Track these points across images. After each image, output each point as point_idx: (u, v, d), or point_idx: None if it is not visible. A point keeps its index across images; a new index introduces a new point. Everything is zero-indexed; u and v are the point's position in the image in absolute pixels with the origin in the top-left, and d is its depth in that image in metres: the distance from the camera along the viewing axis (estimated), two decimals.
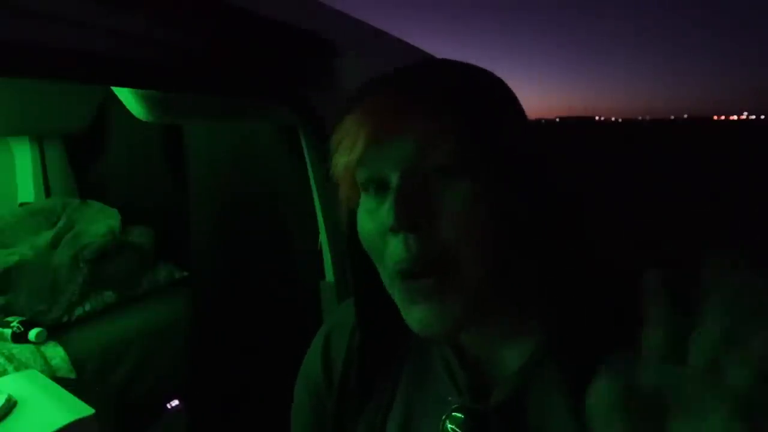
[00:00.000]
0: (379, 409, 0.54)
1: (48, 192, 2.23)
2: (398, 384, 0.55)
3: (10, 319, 1.57)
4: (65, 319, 1.68)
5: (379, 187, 0.45)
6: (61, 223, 1.94)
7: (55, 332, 1.62)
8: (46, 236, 1.86)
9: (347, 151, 0.44)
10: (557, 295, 0.48)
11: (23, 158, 2.20)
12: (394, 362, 0.56)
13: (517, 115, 0.47)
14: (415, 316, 0.44)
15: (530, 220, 0.45)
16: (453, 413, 0.48)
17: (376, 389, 0.55)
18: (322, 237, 1.13)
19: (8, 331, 1.53)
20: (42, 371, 1.37)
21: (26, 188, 2.22)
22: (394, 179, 0.43)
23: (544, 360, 0.47)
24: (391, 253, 0.44)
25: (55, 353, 1.54)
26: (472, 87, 0.45)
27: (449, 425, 0.48)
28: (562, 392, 0.45)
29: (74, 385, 1.20)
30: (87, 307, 1.75)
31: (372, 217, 0.45)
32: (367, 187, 0.45)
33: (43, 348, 1.54)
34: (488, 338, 0.51)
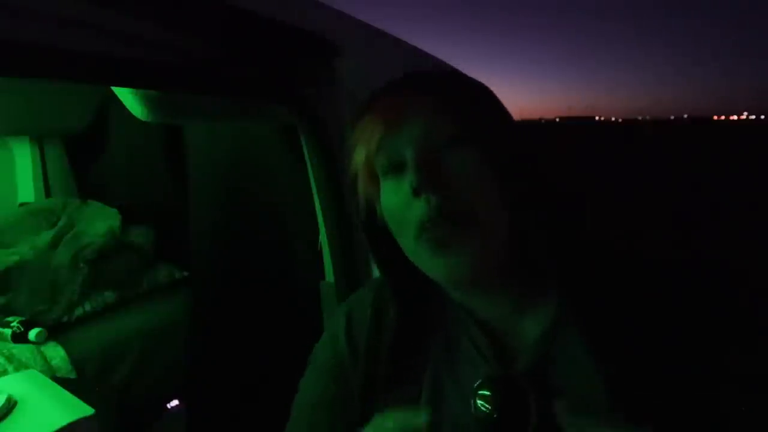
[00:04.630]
0: (413, 384, 0.57)
1: (48, 192, 2.23)
2: (428, 360, 0.58)
3: (10, 319, 1.57)
4: (65, 319, 1.68)
5: (398, 169, 0.52)
6: (61, 223, 1.93)
7: (55, 332, 1.61)
8: (46, 236, 1.86)
9: (366, 143, 0.54)
10: (567, 264, 0.54)
11: (23, 158, 2.20)
12: (422, 339, 0.59)
13: (501, 108, 0.56)
14: (439, 265, 0.51)
15: (528, 189, 0.53)
16: (481, 390, 0.50)
17: (405, 366, 0.58)
18: (322, 237, 1.13)
19: (8, 331, 1.53)
20: (42, 371, 1.37)
21: (26, 188, 2.21)
22: (409, 154, 0.51)
23: (565, 325, 0.52)
24: (415, 212, 0.51)
25: (55, 353, 1.54)
26: (464, 82, 0.56)
27: (479, 402, 0.49)
28: (584, 353, 0.50)
29: (74, 385, 1.19)
30: (87, 307, 1.74)
31: (395, 193, 0.53)
32: (387, 172, 0.53)
33: (43, 348, 1.54)
34: (509, 310, 0.56)
